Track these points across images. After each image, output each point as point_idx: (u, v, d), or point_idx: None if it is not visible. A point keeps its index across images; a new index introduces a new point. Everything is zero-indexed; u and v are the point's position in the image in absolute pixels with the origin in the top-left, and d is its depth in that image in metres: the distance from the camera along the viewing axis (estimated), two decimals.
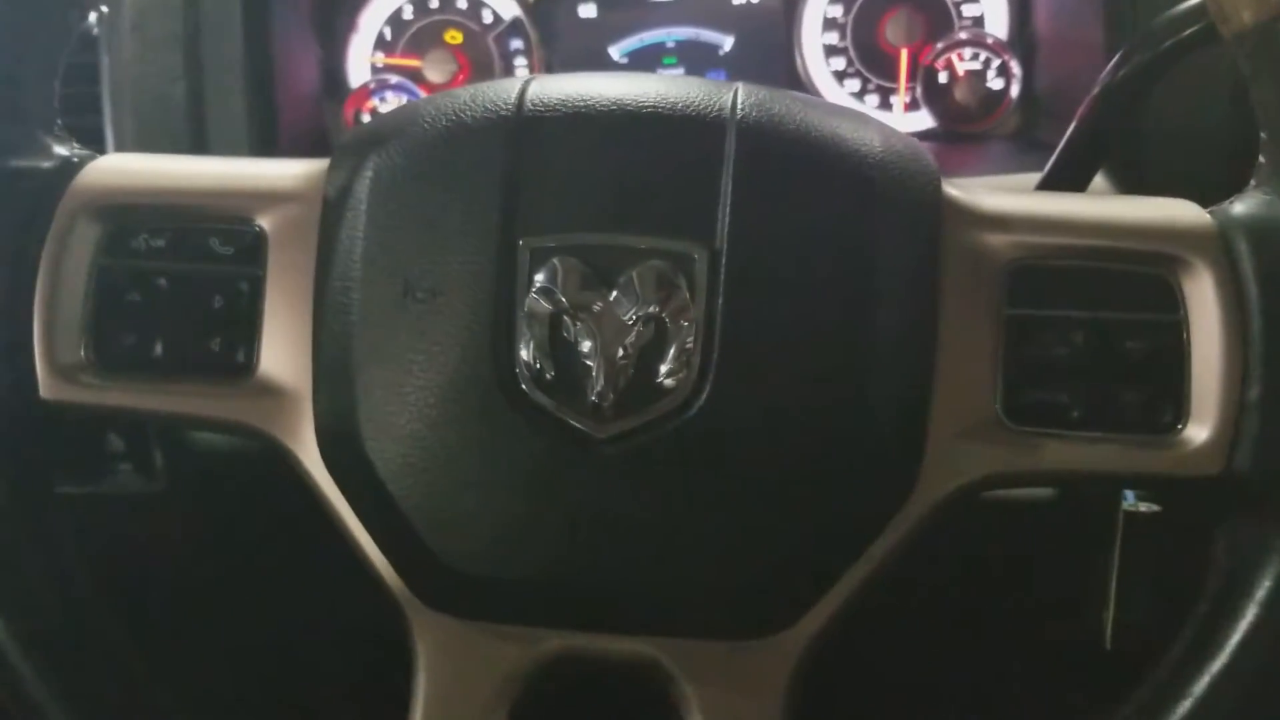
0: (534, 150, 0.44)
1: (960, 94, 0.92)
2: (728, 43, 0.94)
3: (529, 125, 0.45)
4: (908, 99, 0.93)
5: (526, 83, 0.46)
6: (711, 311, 0.43)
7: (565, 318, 0.43)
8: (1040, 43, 0.91)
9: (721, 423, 0.43)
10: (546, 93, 0.46)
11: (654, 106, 0.45)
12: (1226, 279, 0.44)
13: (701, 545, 0.43)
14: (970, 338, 0.44)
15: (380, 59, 0.94)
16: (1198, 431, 0.44)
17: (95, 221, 0.47)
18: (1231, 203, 0.46)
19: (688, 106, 0.45)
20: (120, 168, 0.49)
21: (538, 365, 0.43)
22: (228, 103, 0.81)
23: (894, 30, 0.92)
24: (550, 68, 0.95)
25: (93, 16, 0.80)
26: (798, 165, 0.44)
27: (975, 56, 0.92)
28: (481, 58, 0.94)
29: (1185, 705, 0.43)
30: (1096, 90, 0.64)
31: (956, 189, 0.46)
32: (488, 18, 0.94)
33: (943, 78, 0.92)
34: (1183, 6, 0.61)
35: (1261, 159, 0.47)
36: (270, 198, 0.47)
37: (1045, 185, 0.67)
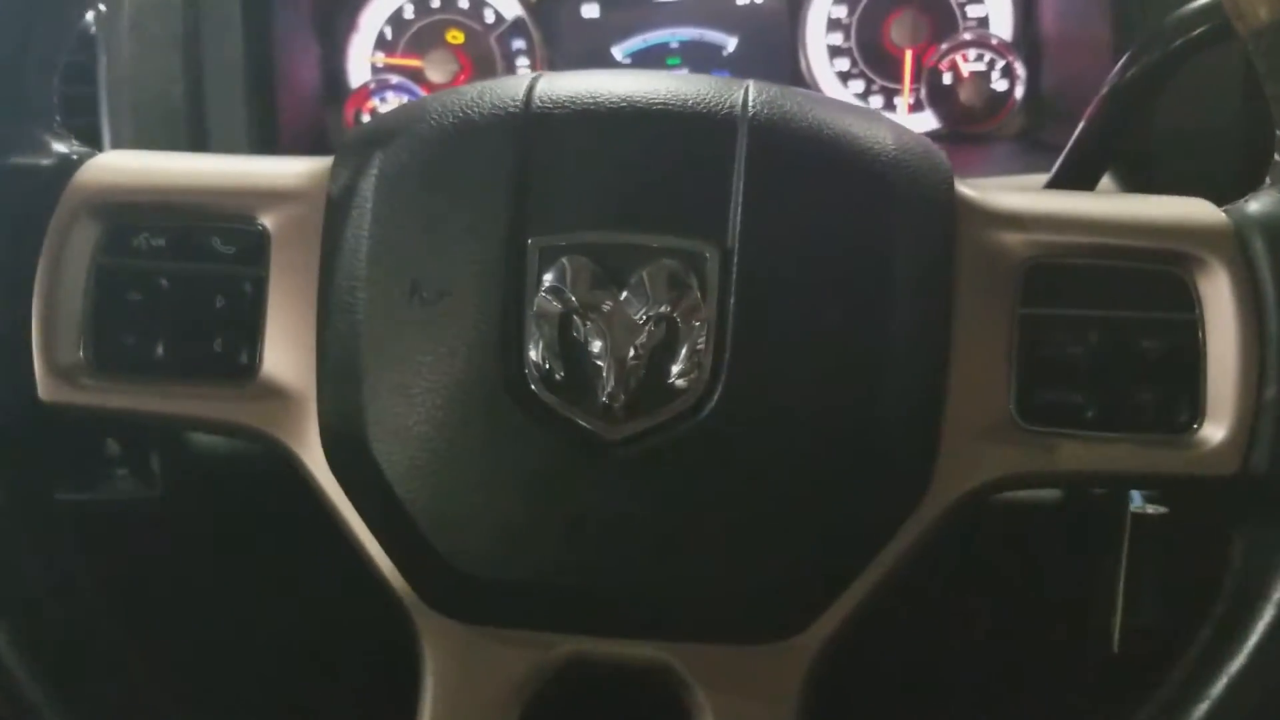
0: (542, 148, 0.44)
1: (965, 95, 0.91)
2: (731, 43, 0.94)
3: (537, 123, 0.44)
4: (912, 100, 0.92)
5: (534, 80, 0.46)
6: (723, 311, 0.42)
7: (575, 317, 0.43)
8: (1045, 43, 0.91)
9: (734, 424, 0.42)
10: (555, 90, 0.45)
11: (664, 104, 0.44)
12: (1242, 277, 0.43)
13: (714, 548, 0.42)
14: (984, 337, 0.44)
15: (381, 59, 0.94)
16: (1214, 431, 0.43)
17: (95, 220, 0.46)
18: (1246, 201, 0.45)
19: (698, 104, 0.44)
20: (120, 165, 0.48)
21: (547, 366, 0.42)
22: (227, 103, 0.81)
23: (899, 31, 0.92)
24: (552, 68, 0.94)
25: (90, 15, 0.79)
26: (810, 163, 0.44)
27: (980, 58, 0.91)
28: (483, 58, 0.94)
29: (1203, 707, 0.42)
30: (1105, 90, 0.64)
31: (970, 188, 0.46)
32: (490, 17, 0.94)
33: (947, 79, 0.92)
34: (1193, 6, 0.61)
35: (1277, 157, 0.46)
36: (273, 196, 0.47)
37: (1053, 185, 0.66)
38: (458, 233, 0.43)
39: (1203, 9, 0.60)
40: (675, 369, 0.42)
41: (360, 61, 0.94)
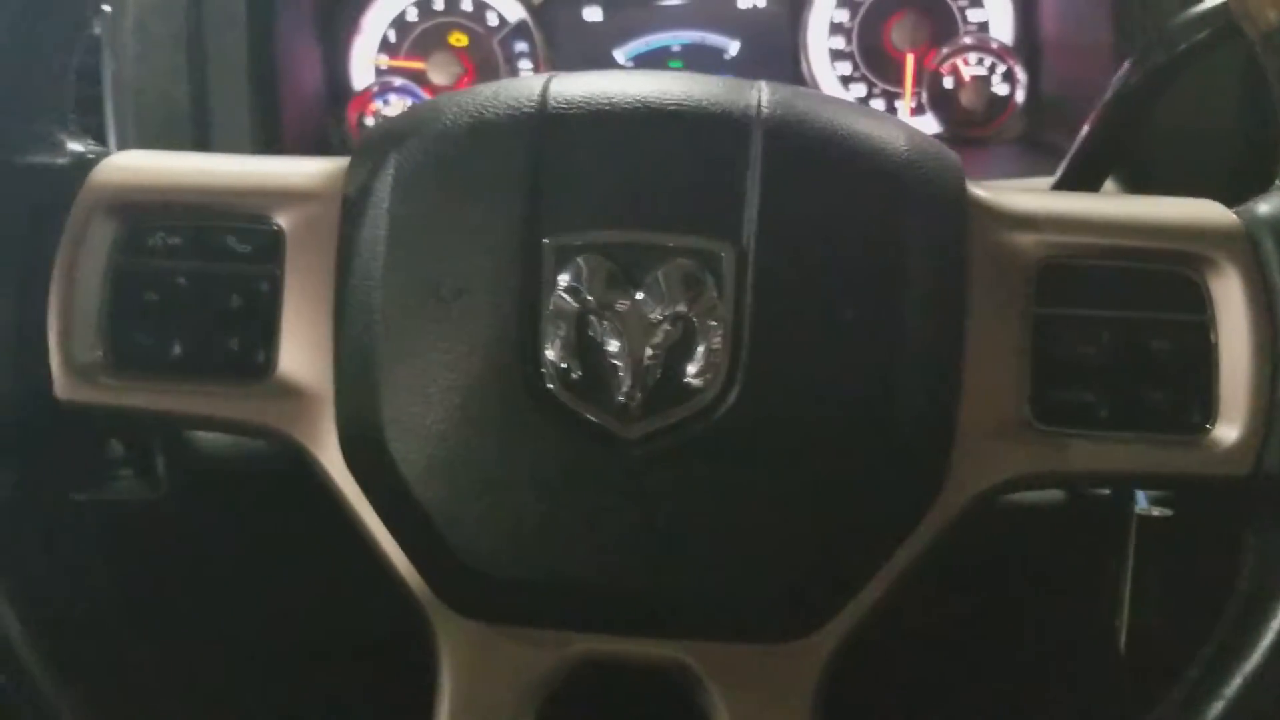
0: (558, 148, 0.44)
1: (966, 99, 0.92)
2: (733, 47, 0.94)
3: (552, 123, 0.44)
4: (913, 104, 0.93)
5: (549, 80, 0.46)
6: (740, 310, 0.42)
7: (591, 317, 0.43)
8: (1046, 47, 0.91)
9: (750, 423, 0.42)
10: (569, 90, 0.45)
11: (678, 104, 0.45)
12: (1254, 278, 0.44)
13: (730, 547, 0.43)
14: (998, 337, 0.44)
15: (384, 61, 0.94)
16: (1227, 432, 0.43)
17: (111, 219, 0.46)
18: (1257, 202, 0.46)
19: (713, 104, 0.45)
20: (135, 165, 0.48)
21: (564, 365, 0.43)
22: (231, 104, 0.81)
23: (900, 35, 0.92)
24: (555, 71, 0.94)
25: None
26: (825, 163, 0.44)
27: (980, 62, 0.92)
28: (486, 60, 0.94)
29: (1219, 707, 0.43)
30: (1109, 94, 0.64)
31: (982, 189, 0.46)
32: (493, 20, 0.94)
33: (948, 82, 0.92)
34: (1198, 9, 0.61)
35: None
36: (288, 196, 0.47)
37: (1058, 188, 0.67)
38: (474, 232, 0.44)
39: (1207, 13, 0.61)
40: (691, 368, 0.42)
41: (364, 63, 0.94)
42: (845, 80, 0.94)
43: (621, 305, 0.43)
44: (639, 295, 0.43)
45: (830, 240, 0.43)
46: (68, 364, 0.45)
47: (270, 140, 0.82)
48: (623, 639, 0.45)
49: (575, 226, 0.43)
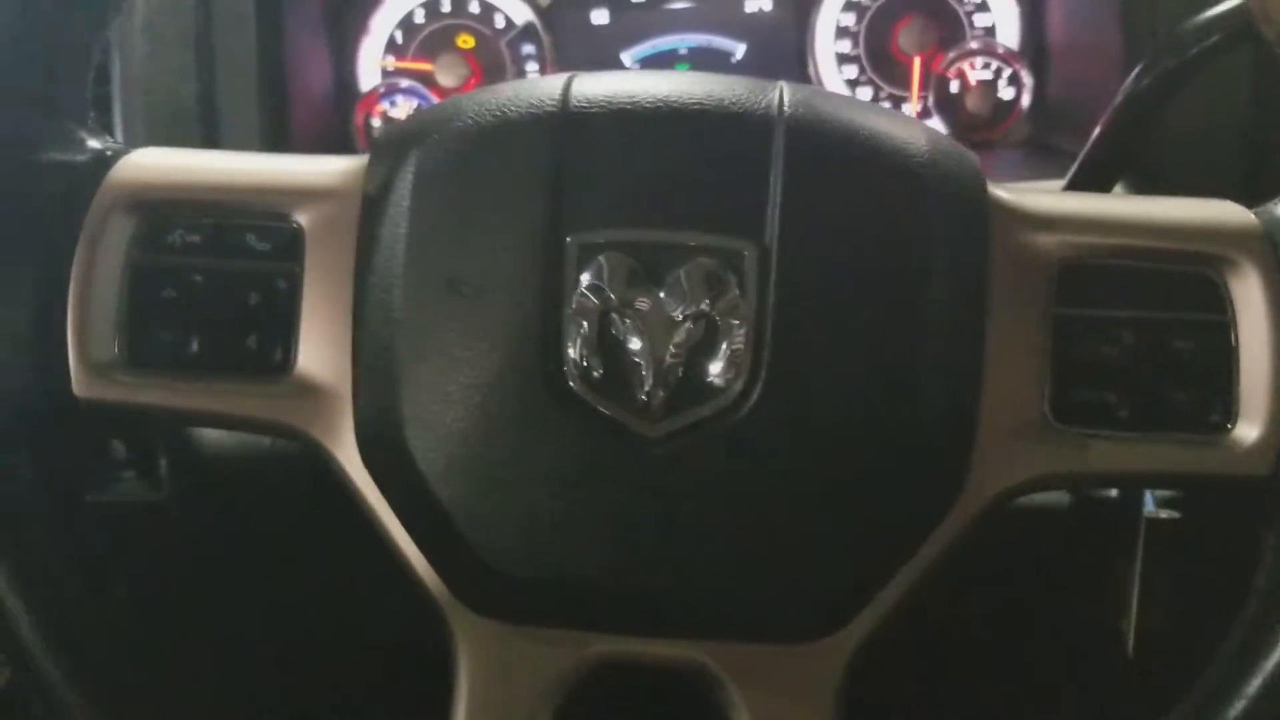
0: (580, 146, 0.44)
1: (972, 103, 0.92)
2: (740, 50, 0.94)
3: (574, 121, 0.44)
4: (919, 107, 0.93)
5: (570, 79, 0.46)
6: (762, 309, 0.42)
7: (613, 315, 0.43)
8: (1052, 51, 0.92)
9: (773, 422, 0.42)
10: (591, 89, 0.45)
11: (700, 103, 0.45)
12: (1274, 279, 0.44)
13: (752, 547, 0.43)
14: (1019, 337, 0.44)
15: (391, 62, 0.94)
16: (1247, 431, 0.44)
17: (130, 216, 0.46)
18: (1276, 203, 0.46)
19: (734, 103, 0.45)
20: (154, 163, 0.48)
21: (586, 363, 0.42)
22: (240, 103, 0.81)
23: (907, 39, 0.93)
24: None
25: None
26: (847, 163, 0.44)
27: (986, 66, 0.92)
28: (494, 62, 0.94)
29: (1240, 706, 0.43)
30: (1120, 98, 0.64)
31: (1002, 189, 0.46)
32: (500, 22, 0.94)
33: (954, 86, 0.92)
34: (1210, 14, 0.61)
35: None
36: (307, 194, 0.47)
37: (1069, 191, 0.67)
38: (495, 230, 0.43)
39: (1219, 17, 0.61)
40: (714, 367, 0.42)
41: (370, 65, 0.94)
42: (852, 83, 0.94)
43: (643, 303, 0.43)
44: (661, 294, 0.43)
45: (852, 239, 0.43)
46: (85, 361, 0.45)
47: (279, 140, 0.82)
48: (642, 639, 0.45)
49: (597, 225, 0.43)
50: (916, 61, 0.93)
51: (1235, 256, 0.44)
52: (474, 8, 0.94)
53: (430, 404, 0.43)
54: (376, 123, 0.92)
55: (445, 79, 0.93)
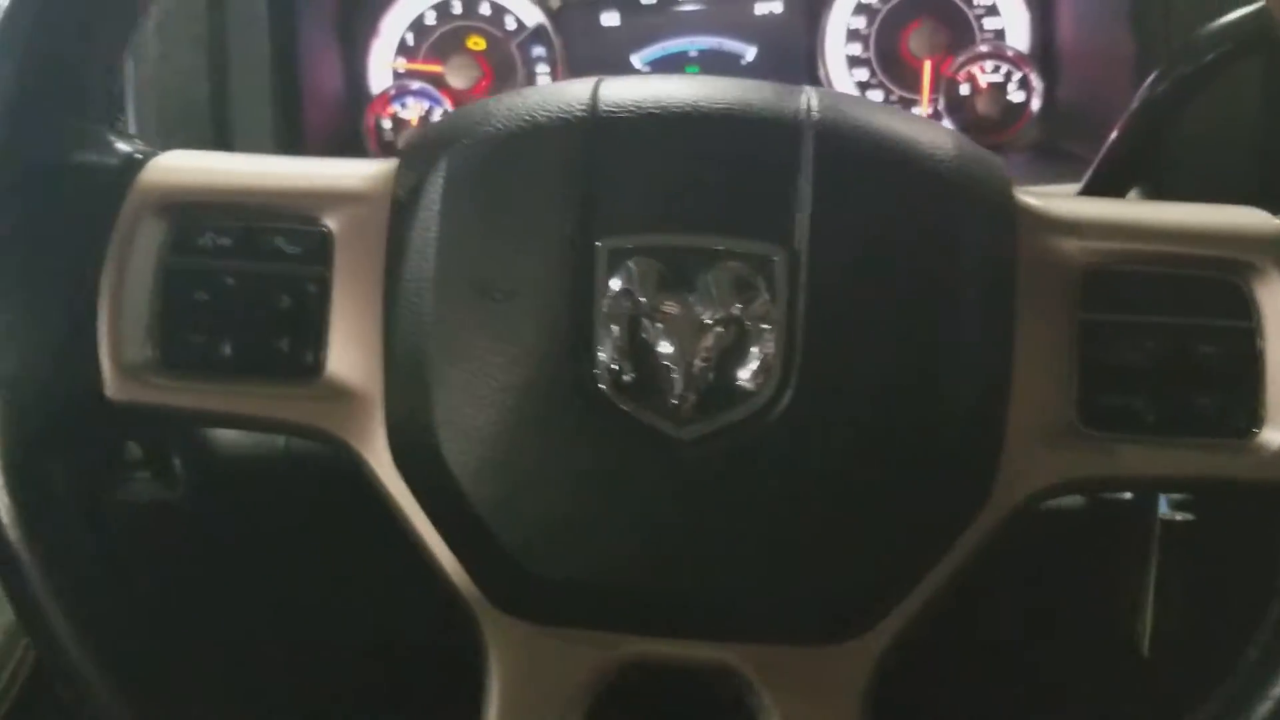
0: (609, 151, 0.44)
1: (982, 106, 0.92)
2: (750, 52, 0.95)
3: (604, 126, 0.44)
4: (930, 110, 0.93)
5: (598, 84, 0.46)
6: (792, 314, 0.42)
7: (644, 319, 0.43)
8: (1063, 55, 0.92)
9: (803, 426, 0.42)
10: (620, 94, 0.45)
11: (729, 108, 0.45)
12: None
13: (781, 550, 0.43)
14: (1046, 342, 0.44)
15: (402, 64, 0.94)
16: (1273, 436, 0.44)
17: (161, 219, 0.46)
18: None
19: (763, 108, 0.45)
20: (184, 165, 0.48)
21: (616, 367, 0.43)
22: (253, 105, 0.81)
23: (917, 42, 0.93)
24: (572, 75, 0.95)
25: None
26: (875, 167, 0.44)
27: (996, 69, 0.93)
28: (504, 64, 0.94)
29: (1266, 707, 0.43)
30: (1136, 104, 0.65)
31: (1028, 194, 0.47)
32: (511, 24, 0.94)
33: (964, 89, 0.93)
34: (1225, 20, 0.62)
35: None
36: (337, 198, 0.47)
37: (1084, 195, 0.67)
38: (526, 235, 0.44)
39: (1234, 24, 0.61)
40: (744, 371, 0.43)
41: (382, 66, 0.94)
42: (862, 86, 0.94)
43: (673, 308, 0.43)
44: (691, 298, 0.43)
45: (882, 244, 0.44)
46: (118, 363, 0.45)
47: (292, 141, 0.82)
48: (673, 641, 0.45)
49: (627, 229, 0.43)
50: (927, 64, 0.93)
51: (1260, 263, 0.45)
52: (484, 10, 0.94)
53: (462, 407, 0.43)
54: (387, 124, 0.92)
55: (456, 81, 0.93)
